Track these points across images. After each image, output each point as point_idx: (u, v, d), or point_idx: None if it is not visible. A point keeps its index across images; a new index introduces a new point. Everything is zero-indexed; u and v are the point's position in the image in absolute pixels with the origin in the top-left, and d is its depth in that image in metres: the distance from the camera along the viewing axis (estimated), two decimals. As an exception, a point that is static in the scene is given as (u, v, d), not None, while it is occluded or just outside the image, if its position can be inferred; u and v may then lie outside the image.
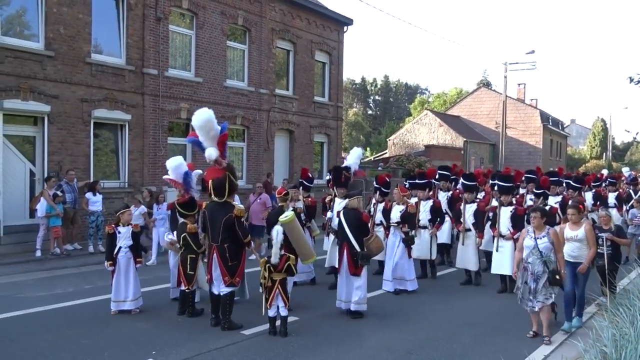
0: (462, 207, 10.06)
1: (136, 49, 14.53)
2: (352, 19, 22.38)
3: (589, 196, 13.82)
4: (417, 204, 9.90)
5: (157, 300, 8.23)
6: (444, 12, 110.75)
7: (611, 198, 14.45)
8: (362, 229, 7.71)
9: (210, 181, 6.93)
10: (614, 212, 14.60)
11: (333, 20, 21.61)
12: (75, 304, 8.10)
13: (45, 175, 12.31)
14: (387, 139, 42.43)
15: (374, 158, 37.13)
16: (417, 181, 10.54)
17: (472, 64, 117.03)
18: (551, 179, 11.65)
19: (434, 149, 33.25)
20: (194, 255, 7.43)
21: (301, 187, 10.31)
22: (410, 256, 9.17)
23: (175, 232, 7.95)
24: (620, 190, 15.58)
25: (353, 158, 10.55)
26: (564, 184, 13.07)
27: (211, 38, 16.65)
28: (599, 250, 7.70)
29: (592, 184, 15.37)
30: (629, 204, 13.62)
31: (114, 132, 14.47)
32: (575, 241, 7.13)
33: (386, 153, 39.32)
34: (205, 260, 7.45)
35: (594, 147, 64.13)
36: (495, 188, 10.28)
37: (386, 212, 9.63)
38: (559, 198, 11.30)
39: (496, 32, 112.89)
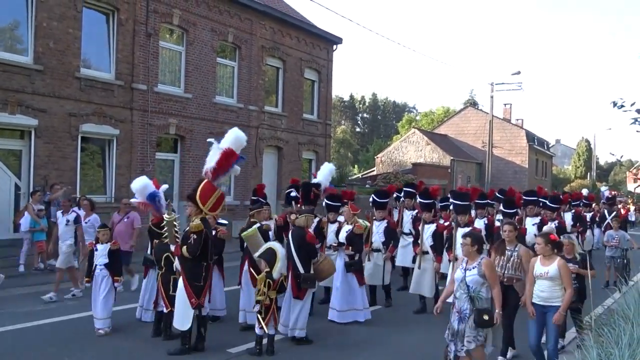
0: (420, 227, 9.18)
1: (126, 64, 14.54)
2: (342, 38, 22.64)
3: (568, 217, 13.48)
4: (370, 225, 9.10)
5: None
6: (431, 32, 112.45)
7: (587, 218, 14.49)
8: (307, 250, 7.22)
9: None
10: (587, 233, 14.62)
11: (322, 38, 21.83)
12: (59, 321, 7.97)
13: (31, 189, 12.19)
14: (375, 157, 42.63)
15: (361, 175, 37.26)
16: (375, 199, 9.75)
17: (459, 83, 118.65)
18: (526, 198, 10.67)
19: (421, 167, 33.43)
20: (176, 276, 7.03)
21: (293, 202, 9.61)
22: (362, 282, 8.29)
23: (152, 252, 7.69)
24: (594, 210, 15.55)
25: (324, 174, 10.01)
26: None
27: (201, 54, 16.72)
28: None
29: (572, 203, 14.87)
30: (603, 225, 13.57)
31: (101, 147, 14.40)
32: (545, 279, 5.95)
33: (374, 171, 39.47)
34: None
35: (578, 167, 64.96)
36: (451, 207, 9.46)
37: (338, 233, 8.67)
38: (537, 220, 10.27)
39: (483, 53, 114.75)
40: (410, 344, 7.42)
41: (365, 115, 66.77)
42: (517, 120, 50.82)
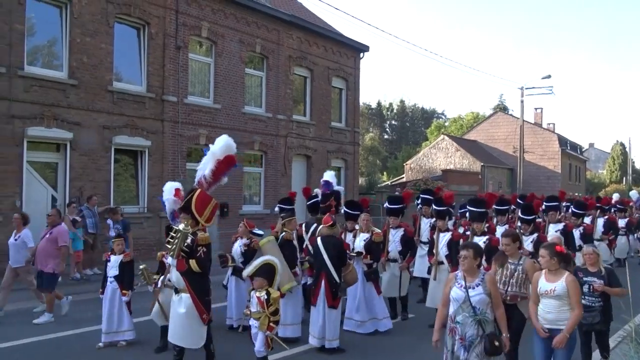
0: (434, 236, 8.67)
1: (156, 76, 14.83)
2: (368, 46, 22.65)
3: (600, 223, 12.94)
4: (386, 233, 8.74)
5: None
6: (460, 37, 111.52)
7: (620, 224, 13.93)
8: (343, 258, 7.16)
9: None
10: (623, 240, 14.00)
11: (349, 47, 21.88)
12: (94, 330, 8.04)
13: (67, 201, 12.50)
14: (404, 164, 42.38)
15: (391, 183, 37.05)
16: (389, 206, 9.18)
17: (488, 88, 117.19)
18: (547, 203, 10.17)
19: (451, 174, 33.08)
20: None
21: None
22: (379, 292, 8.11)
23: None
24: (630, 216, 14.92)
25: (324, 180, 9.80)
26: (569, 210, 12.00)
27: (229, 65, 16.94)
28: (585, 302, 5.75)
29: (604, 209, 14.06)
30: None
31: (134, 158, 14.70)
32: (551, 298, 5.14)
33: (403, 178, 39.23)
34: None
35: (613, 171, 63.26)
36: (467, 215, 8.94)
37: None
38: (560, 226, 9.73)
39: (512, 57, 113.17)
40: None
41: (393, 122, 66.48)
42: (549, 124, 49.94)
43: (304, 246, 8.58)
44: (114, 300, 7.17)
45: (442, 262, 8.33)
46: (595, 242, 12.51)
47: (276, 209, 9.38)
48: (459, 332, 4.77)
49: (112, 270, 7.27)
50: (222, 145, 6.59)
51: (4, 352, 7.03)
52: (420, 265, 9.71)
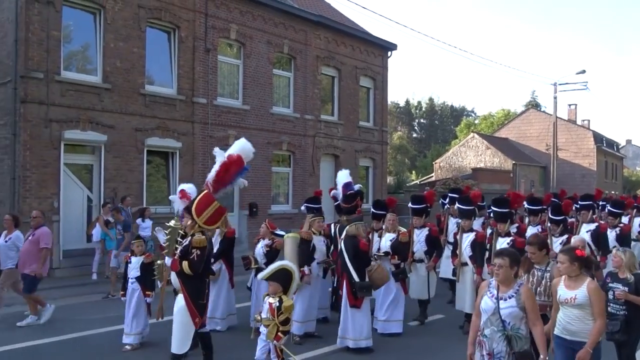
0: (457, 236, 8.39)
1: (186, 79, 15.12)
2: (396, 44, 22.56)
3: (637, 223, 12.07)
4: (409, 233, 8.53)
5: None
6: (490, 32, 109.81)
7: None
8: (361, 258, 7.14)
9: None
10: None
11: (377, 46, 21.84)
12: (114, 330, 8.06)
13: (102, 201, 12.87)
14: (433, 163, 42.02)
15: (420, 182, 36.80)
16: (412, 206, 8.93)
17: (519, 85, 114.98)
18: (582, 202, 9.77)
19: (481, 172, 32.65)
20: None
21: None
22: (405, 292, 8.09)
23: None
24: None
25: (342, 181, 9.66)
26: (604, 209, 11.31)
27: (258, 67, 17.13)
28: (610, 309, 5.45)
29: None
30: None
31: (165, 159, 15.01)
32: (572, 307, 4.71)
33: (432, 176, 38.91)
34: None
35: (652, 168, 61.38)
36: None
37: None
38: (593, 226, 9.25)
39: (545, 52, 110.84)
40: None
41: (422, 120, 65.95)
42: (583, 121, 48.73)
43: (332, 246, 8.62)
44: (131, 302, 7.16)
45: (465, 263, 8.07)
46: (633, 243, 12.11)
47: (302, 208, 9.43)
48: (487, 347, 4.34)
49: (133, 271, 7.25)
50: (237, 148, 6.44)
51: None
52: (445, 267, 9.56)
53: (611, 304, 5.52)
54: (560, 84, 31.09)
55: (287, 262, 5.78)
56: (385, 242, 8.18)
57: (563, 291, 4.81)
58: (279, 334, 5.29)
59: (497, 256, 4.44)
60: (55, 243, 12.28)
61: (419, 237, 8.59)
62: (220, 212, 6.00)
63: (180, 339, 5.86)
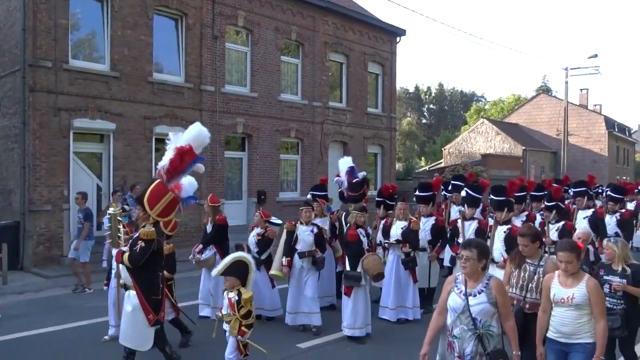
0: (459, 224, 8.20)
1: (194, 67, 15.08)
2: (405, 30, 22.33)
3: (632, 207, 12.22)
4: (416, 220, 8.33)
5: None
6: (500, 16, 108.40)
7: None
8: (350, 247, 7.18)
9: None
10: None
11: (386, 31, 21.63)
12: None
13: (111, 189, 12.94)
14: (442, 149, 41.81)
15: (429, 168, 36.66)
16: (417, 193, 8.80)
17: (530, 69, 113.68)
18: (575, 189, 9.68)
19: (491, 158, 32.43)
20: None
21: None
22: (415, 280, 8.04)
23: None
24: None
25: (345, 168, 9.60)
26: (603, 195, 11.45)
27: (265, 54, 17.05)
28: (607, 304, 5.01)
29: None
30: None
31: (174, 147, 15.01)
32: (568, 307, 4.30)
33: (441, 163, 38.74)
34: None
35: (665, 154, 60.64)
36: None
37: (387, 230, 8.37)
38: (589, 212, 9.18)
39: (556, 36, 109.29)
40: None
41: (431, 106, 65.48)
42: (595, 106, 48.21)
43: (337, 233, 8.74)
44: (114, 293, 6.95)
45: None
46: (639, 232, 12.02)
47: (309, 196, 9.45)
48: (457, 348, 3.97)
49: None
50: (192, 134, 5.91)
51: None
52: (449, 255, 9.37)
53: (608, 299, 5.16)
54: (571, 69, 30.75)
55: (241, 253, 5.45)
56: (396, 230, 8.13)
57: (558, 289, 4.35)
58: (243, 328, 5.09)
59: (464, 248, 4.04)
60: (65, 231, 12.42)
61: (425, 225, 8.44)
62: (175, 202, 5.65)
63: (137, 337, 5.52)
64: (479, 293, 3.96)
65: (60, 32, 12.30)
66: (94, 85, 12.96)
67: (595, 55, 30.34)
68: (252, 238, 8.00)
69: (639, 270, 5.27)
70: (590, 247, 5.97)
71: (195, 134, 5.74)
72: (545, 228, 8.34)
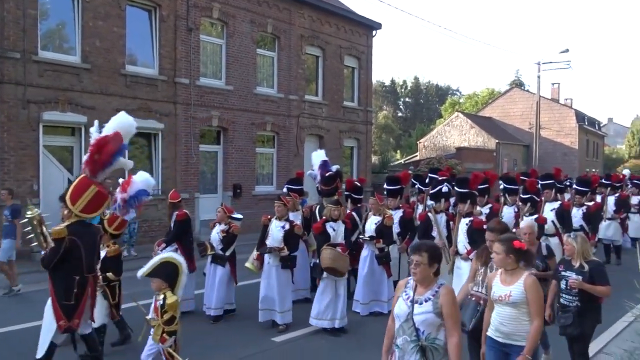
0: (431, 217, 8.14)
1: (168, 59, 14.87)
2: (381, 23, 22.39)
3: (611, 201, 12.58)
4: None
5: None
6: (474, 11, 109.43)
7: (634, 202, 13.52)
8: (317, 239, 7.22)
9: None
10: (636, 218, 13.60)
11: (362, 25, 21.65)
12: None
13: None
14: (418, 142, 42.13)
15: (404, 161, 36.93)
16: (386, 186, 8.81)
17: (503, 63, 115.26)
18: (543, 182, 9.76)
19: (465, 151, 32.83)
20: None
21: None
22: (390, 274, 8.07)
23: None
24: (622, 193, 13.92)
25: (319, 162, 9.58)
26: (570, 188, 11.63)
27: (241, 46, 16.90)
28: (562, 301, 5.16)
29: (616, 186, 13.56)
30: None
31: (147, 141, 14.84)
32: (506, 305, 4.15)
33: (417, 156, 39.05)
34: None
35: (632, 146, 62.15)
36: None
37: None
38: (556, 204, 9.33)
39: (529, 32, 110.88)
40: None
41: (407, 99, 65.87)
42: (566, 100, 49.10)
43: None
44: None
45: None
46: (607, 222, 12.37)
47: (284, 189, 9.42)
48: (397, 356, 3.67)
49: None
50: (115, 123, 5.52)
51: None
52: None
53: (564, 295, 5.17)
54: (543, 63, 31.22)
55: (171, 254, 5.15)
56: (370, 225, 8.07)
57: (498, 287, 4.21)
58: (164, 335, 4.74)
59: (414, 252, 3.69)
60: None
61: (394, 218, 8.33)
62: (100, 197, 5.27)
63: (41, 342, 5.21)
64: (426, 301, 3.60)
65: (29, 22, 11.98)
66: (65, 77, 12.68)
67: (567, 50, 30.93)
68: (216, 235, 7.81)
69: (597, 268, 5.17)
70: (542, 242, 5.92)
71: (117, 123, 5.49)
72: (520, 220, 8.48)
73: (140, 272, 4.93)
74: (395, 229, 8.36)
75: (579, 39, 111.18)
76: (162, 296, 4.79)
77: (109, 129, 5.43)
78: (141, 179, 6.56)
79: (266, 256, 7.43)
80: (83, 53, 13.03)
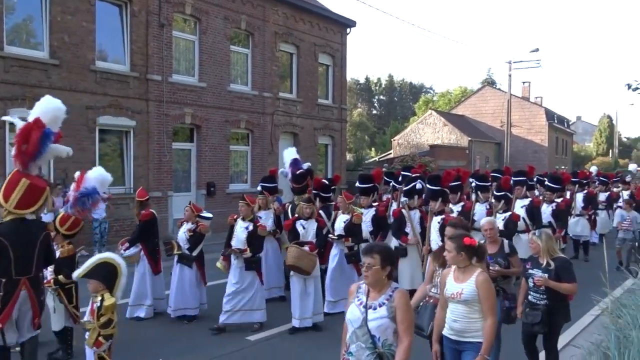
0: (405, 214, 8.09)
1: (140, 55, 14.63)
2: (355, 21, 22.44)
3: (579, 198, 12.86)
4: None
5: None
6: (447, 11, 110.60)
7: (601, 199, 13.85)
8: (288, 237, 7.25)
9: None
10: (603, 214, 13.89)
11: (336, 22, 21.66)
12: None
13: (52, 183, 12.41)
14: (392, 140, 42.41)
15: (378, 159, 37.14)
16: (358, 185, 8.79)
17: (476, 62, 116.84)
18: (515, 178, 9.90)
19: (438, 149, 33.20)
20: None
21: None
22: (360, 273, 7.54)
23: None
24: (611, 190, 14.55)
25: (290, 160, 9.57)
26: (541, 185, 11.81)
27: (214, 43, 16.73)
28: (530, 299, 5.15)
29: (583, 183, 13.90)
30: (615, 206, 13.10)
31: (119, 138, 14.59)
32: (458, 303, 4.09)
33: (391, 153, 39.31)
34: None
35: (600, 144, 63.81)
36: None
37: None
38: (527, 201, 9.47)
39: (500, 31, 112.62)
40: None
41: (381, 97, 66.20)
42: (536, 98, 50.10)
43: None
44: None
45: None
46: (575, 218, 12.65)
47: (259, 187, 9.37)
48: None
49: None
50: (39, 108, 5.19)
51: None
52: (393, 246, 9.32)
53: (531, 293, 5.17)
54: (514, 62, 31.78)
55: (109, 255, 4.83)
56: (339, 224, 7.98)
57: (451, 284, 4.14)
58: (100, 339, 4.50)
59: (365, 254, 3.52)
60: (4, 226, 11.83)
61: (365, 217, 8.30)
62: (34, 190, 4.91)
63: None
64: (380, 306, 3.43)
65: (-6, 16, 11.64)
66: (32, 73, 12.36)
67: (537, 50, 31.56)
68: (183, 234, 7.62)
69: (563, 265, 5.19)
70: (505, 240, 5.85)
71: (41, 109, 5.14)
72: (494, 217, 8.57)
73: (76, 274, 4.70)
74: (368, 227, 8.28)
75: (549, 38, 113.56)
76: (99, 298, 4.55)
77: (32, 115, 5.05)
78: (95, 175, 6.27)
79: (232, 257, 7.29)
80: (51, 48, 12.72)
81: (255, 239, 7.19)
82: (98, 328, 4.49)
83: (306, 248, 7.09)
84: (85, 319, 4.71)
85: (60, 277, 5.85)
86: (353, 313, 3.50)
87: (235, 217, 7.46)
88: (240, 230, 7.25)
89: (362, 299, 3.50)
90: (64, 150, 5.34)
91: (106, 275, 4.60)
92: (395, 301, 3.42)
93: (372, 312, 3.42)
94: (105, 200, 7.32)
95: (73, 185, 6.22)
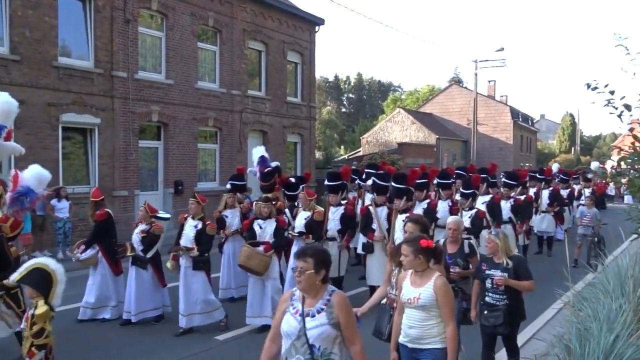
0: (372, 210, 8.15)
1: (105, 51, 14.32)
2: (324, 19, 22.47)
3: (545, 195, 13.15)
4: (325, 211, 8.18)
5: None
6: (415, 9, 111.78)
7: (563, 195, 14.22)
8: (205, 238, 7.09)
9: None
10: (565, 210, 14.21)
11: (304, 20, 21.64)
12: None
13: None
14: (361, 137, 42.65)
15: (347, 157, 37.29)
16: (327, 183, 8.66)
17: (443, 61, 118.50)
18: (482, 175, 10.30)
19: (406, 147, 33.54)
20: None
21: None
22: None
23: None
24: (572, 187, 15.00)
25: (258, 158, 9.57)
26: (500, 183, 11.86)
27: (181, 39, 16.51)
28: (489, 300, 5.04)
29: (547, 179, 14.16)
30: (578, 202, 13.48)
31: (83, 136, 14.26)
32: (415, 308, 3.89)
33: (360, 151, 39.53)
34: None
35: (563, 142, 65.57)
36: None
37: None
38: (487, 198, 9.76)
39: (466, 30, 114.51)
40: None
41: (350, 95, 66.52)
42: (502, 96, 51.10)
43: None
44: None
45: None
46: (541, 215, 12.97)
47: (228, 185, 9.32)
48: None
49: None
50: None
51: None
52: (360, 243, 9.29)
53: (490, 294, 5.06)
54: (480, 61, 32.35)
55: (44, 260, 4.49)
56: (300, 221, 7.90)
57: (407, 289, 3.92)
58: (32, 349, 4.18)
59: (298, 257, 3.27)
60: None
61: (334, 215, 8.19)
62: None
63: None
64: (318, 312, 3.17)
65: (-51, 10, 11.22)
66: (-9, 69, 11.98)
67: (502, 49, 32.17)
68: (136, 236, 7.43)
69: (521, 263, 5.16)
70: (465, 240, 5.80)
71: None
72: (459, 214, 8.71)
73: (12, 277, 4.46)
74: (336, 225, 8.17)
75: (514, 38, 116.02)
76: (34, 305, 4.29)
77: None
78: (32, 174, 6.04)
79: (182, 258, 7.09)
80: (11, 44, 12.33)
81: (204, 238, 7.00)
82: (30, 337, 4.21)
83: (261, 248, 6.96)
84: (22, 325, 4.43)
85: (6, 281, 5.50)
86: (289, 323, 3.21)
87: (185, 215, 7.32)
88: (189, 228, 7.10)
89: (298, 306, 3.23)
90: (14, 148, 5.00)
91: (39, 281, 4.28)
92: (336, 307, 3.17)
93: (310, 320, 3.16)
94: (44, 197, 7.00)
95: (11, 185, 5.99)
